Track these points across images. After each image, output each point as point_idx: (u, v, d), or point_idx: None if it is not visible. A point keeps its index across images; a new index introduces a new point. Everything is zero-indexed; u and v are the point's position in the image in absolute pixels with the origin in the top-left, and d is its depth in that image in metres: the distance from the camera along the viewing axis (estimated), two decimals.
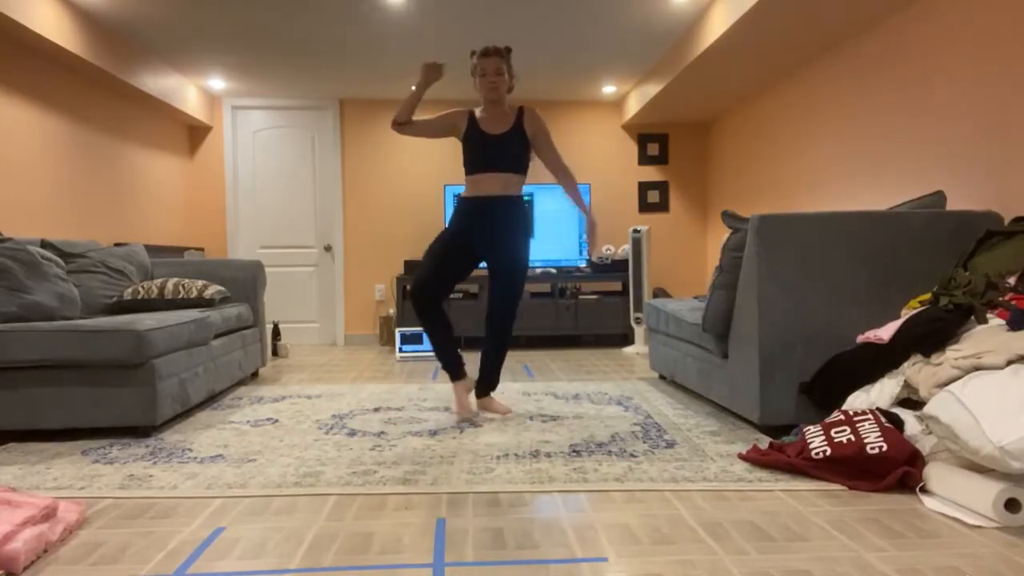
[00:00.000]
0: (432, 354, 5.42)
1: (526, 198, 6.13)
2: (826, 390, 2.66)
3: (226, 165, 6.48)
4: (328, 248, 6.58)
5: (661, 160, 6.74)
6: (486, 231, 3.23)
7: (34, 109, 4.16)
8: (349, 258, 6.59)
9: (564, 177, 3.36)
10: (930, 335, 2.38)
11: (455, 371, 3.30)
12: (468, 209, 3.26)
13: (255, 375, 4.60)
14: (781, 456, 2.36)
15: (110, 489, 2.25)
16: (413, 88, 3.22)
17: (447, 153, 6.60)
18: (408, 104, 3.20)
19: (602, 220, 6.70)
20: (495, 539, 1.82)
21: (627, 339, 6.23)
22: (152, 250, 4.99)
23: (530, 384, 4.11)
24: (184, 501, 2.15)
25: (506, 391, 3.88)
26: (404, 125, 3.23)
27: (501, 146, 3.22)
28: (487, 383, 3.34)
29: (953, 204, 3.24)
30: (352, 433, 2.96)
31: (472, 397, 3.45)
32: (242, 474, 2.40)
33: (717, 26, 4.13)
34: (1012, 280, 2.46)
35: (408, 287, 3.20)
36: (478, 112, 3.30)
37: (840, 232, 2.76)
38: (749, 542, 1.78)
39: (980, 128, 3.10)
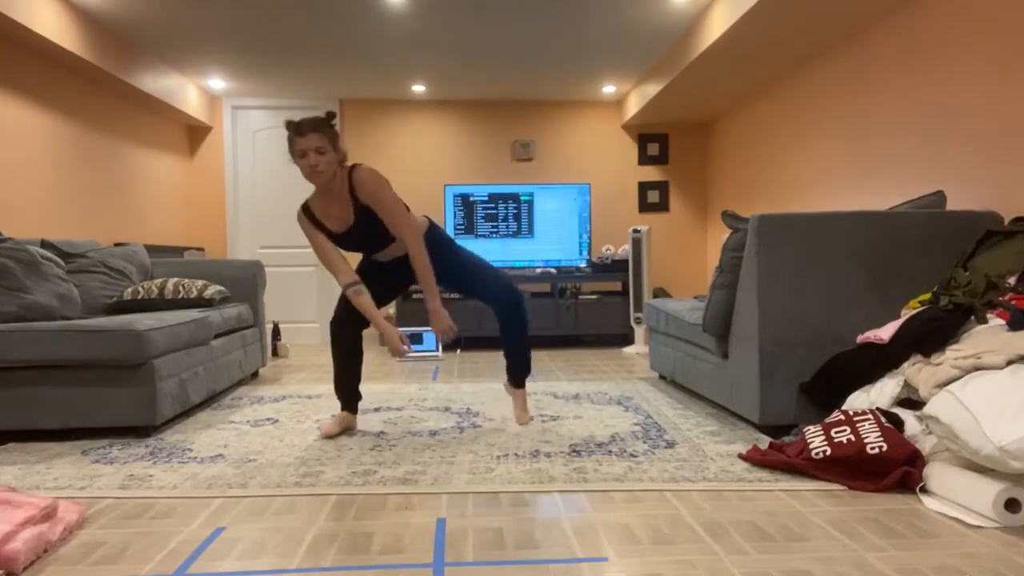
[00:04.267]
0: (432, 354, 5.42)
1: (524, 198, 6.13)
2: (826, 390, 2.66)
3: (226, 165, 6.48)
4: None
5: (661, 160, 6.74)
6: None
7: (34, 109, 4.16)
8: (349, 258, 6.58)
9: (405, 239, 2.84)
10: (930, 335, 2.38)
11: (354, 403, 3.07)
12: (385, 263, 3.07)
13: (255, 375, 4.59)
14: (781, 456, 2.36)
15: (110, 489, 2.25)
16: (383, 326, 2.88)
17: (447, 153, 6.60)
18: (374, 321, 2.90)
19: (602, 220, 6.70)
20: (495, 539, 1.82)
21: (627, 339, 6.23)
22: (152, 250, 4.99)
23: (530, 384, 4.11)
24: (184, 501, 2.15)
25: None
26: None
27: (357, 240, 2.89)
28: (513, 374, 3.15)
29: (953, 204, 3.24)
30: (352, 433, 2.96)
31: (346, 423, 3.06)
32: (242, 474, 2.40)
33: (717, 26, 4.13)
34: (1012, 280, 2.46)
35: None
36: (313, 203, 2.87)
37: (840, 232, 2.76)
38: (749, 542, 1.78)
39: (980, 128, 3.10)
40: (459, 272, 3.05)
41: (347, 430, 3.03)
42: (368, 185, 2.78)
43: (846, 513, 1.96)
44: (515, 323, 3.06)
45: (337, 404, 3.59)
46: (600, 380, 4.25)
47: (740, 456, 2.49)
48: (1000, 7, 2.96)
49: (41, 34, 3.84)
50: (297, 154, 2.73)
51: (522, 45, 5.00)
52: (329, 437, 2.90)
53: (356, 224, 2.85)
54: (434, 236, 3.04)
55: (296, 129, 2.73)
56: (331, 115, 2.77)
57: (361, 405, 3.55)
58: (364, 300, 2.87)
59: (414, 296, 5.85)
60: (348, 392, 3.05)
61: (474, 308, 5.80)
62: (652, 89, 5.60)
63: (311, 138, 2.69)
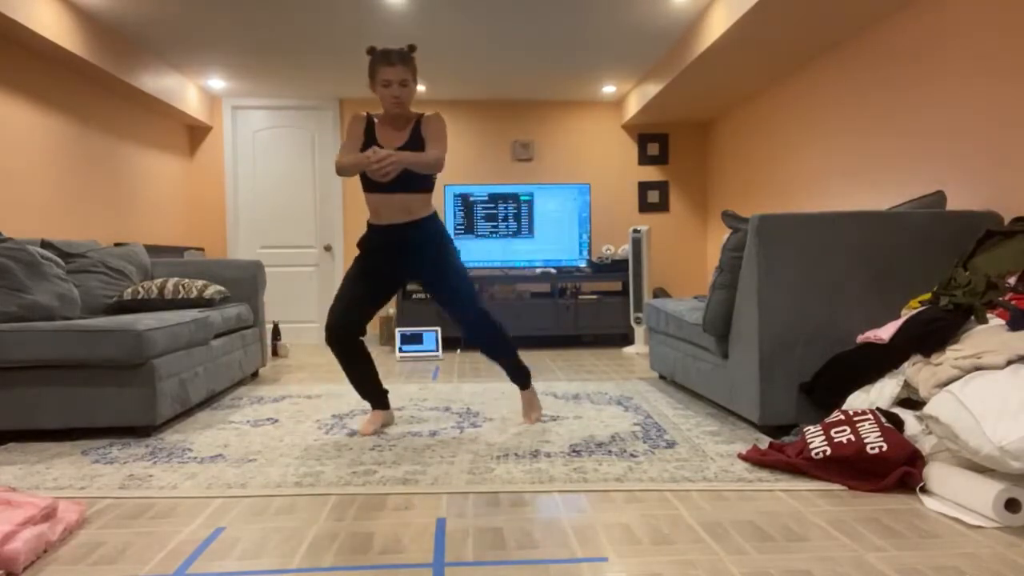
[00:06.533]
0: (432, 354, 5.42)
1: (524, 198, 6.13)
2: (826, 390, 2.66)
3: (226, 165, 6.48)
4: (328, 248, 6.58)
5: (661, 160, 6.74)
6: (404, 265, 2.97)
7: (34, 109, 4.16)
8: (349, 258, 6.59)
9: (435, 151, 2.85)
10: (930, 335, 2.38)
11: (378, 401, 3.09)
12: (376, 243, 2.95)
13: (255, 375, 4.59)
14: (781, 456, 2.36)
15: (110, 489, 2.25)
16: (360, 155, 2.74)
17: (447, 153, 6.59)
18: (351, 167, 2.75)
19: (602, 220, 6.70)
20: (495, 539, 1.82)
21: (627, 339, 6.23)
22: (152, 250, 4.99)
23: None
24: (184, 501, 2.15)
25: (507, 391, 3.88)
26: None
27: None
28: (517, 379, 3.14)
29: (953, 204, 3.24)
30: (352, 433, 2.96)
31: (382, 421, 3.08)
32: (242, 474, 2.40)
33: (717, 26, 4.13)
34: (1012, 280, 2.46)
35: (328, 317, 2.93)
36: (377, 118, 2.93)
37: (840, 232, 2.76)
38: (749, 542, 1.77)
39: (980, 127, 3.10)
40: (445, 276, 2.96)
41: (386, 425, 3.08)
42: (436, 122, 2.89)
43: (846, 513, 1.96)
44: (491, 340, 3.02)
45: (335, 405, 3.59)
46: (600, 380, 4.25)
47: (740, 456, 2.49)
48: (1000, 7, 2.96)
49: (41, 34, 3.84)
50: (380, 83, 2.81)
51: (522, 45, 5.00)
52: (368, 435, 2.93)
53: (403, 147, 2.87)
54: (441, 228, 2.99)
55: (385, 59, 2.79)
56: (413, 48, 2.87)
57: (361, 405, 3.55)
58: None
59: (414, 296, 5.85)
60: (372, 392, 3.05)
61: None
62: (652, 89, 5.60)
63: (398, 70, 2.79)
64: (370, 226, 2.98)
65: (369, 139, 2.90)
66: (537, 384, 4.10)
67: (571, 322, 5.92)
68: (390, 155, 2.66)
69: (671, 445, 2.70)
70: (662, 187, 6.75)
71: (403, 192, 2.88)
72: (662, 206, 6.76)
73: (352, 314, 2.92)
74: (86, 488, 2.27)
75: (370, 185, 2.90)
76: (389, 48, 2.84)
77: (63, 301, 3.21)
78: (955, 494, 1.97)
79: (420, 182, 2.91)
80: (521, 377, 3.14)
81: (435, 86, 6.09)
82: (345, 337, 2.92)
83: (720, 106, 5.98)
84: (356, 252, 6.45)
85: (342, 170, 2.80)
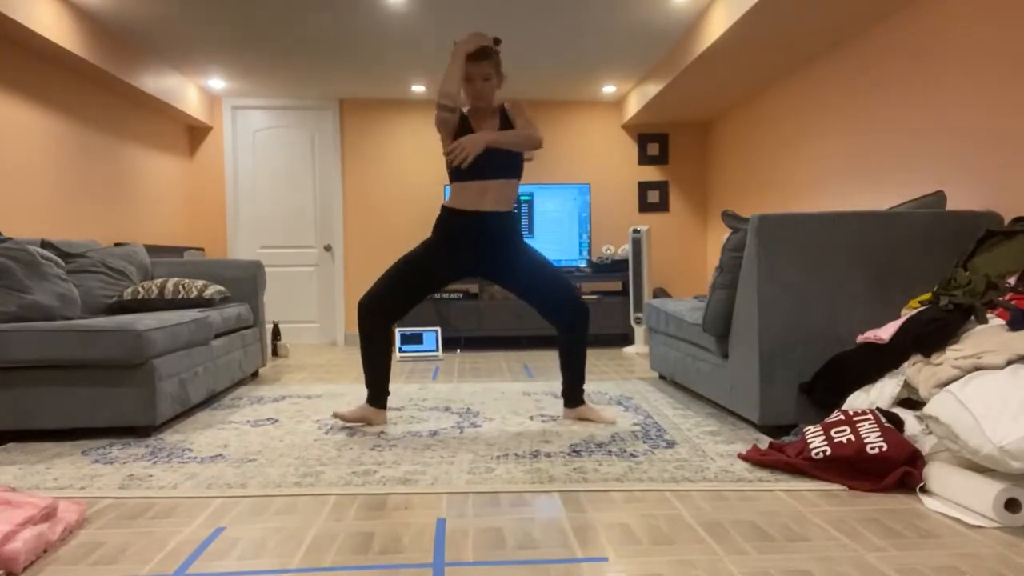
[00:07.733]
0: (432, 354, 5.42)
1: (524, 198, 6.14)
2: (826, 390, 2.66)
3: (226, 165, 6.48)
4: (328, 248, 6.58)
5: (661, 160, 6.74)
6: (485, 254, 3.00)
7: (34, 109, 4.16)
8: (349, 258, 6.59)
9: (526, 129, 2.93)
10: (930, 335, 2.38)
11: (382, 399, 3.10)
12: (464, 230, 2.97)
13: (255, 375, 4.59)
14: (781, 456, 2.36)
15: (110, 489, 2.25)
16: (452, 62, 2.84)
17: None
18: (455, 80, 2.83)
19: (602, 220, 6.70)
20: (495, 539, 1.82)
21: (627, 339, 6.23)
22: (152, 250, 4.99)
23: (530, 384, 4.11)
24: (184, 501, 2.15)
25: (507, 391, 3.88)
26: (454, 111, 2.88)
27: (493, 153, 2.91)
28: (576, 391, 3.15)
29: (953, 204, 3.24)
30: (352, 433, 2.96)
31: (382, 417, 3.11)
32: (242, 474, 2.40)
33: (717, 26, 4.13)
34: (1012, 280, 2.46)
35: (363, 302, 3.01)
36: (465, 109, 3.04)
37: (840, 232, 2.76)
38: (749, 542, 1.78)
39: (980, 128, 3.10)
40: (533, 269, 3.01)
41: (376, 426, 3.06)
42: (519, 106, 2.99)
43: (846, 513, 1.96)
44: (582, 337, 3.14)
45: (335, 405, 3.59)
46: (600, 380, 4.25)
47: (740, 456, 2.49)
48: (1000, 7, 2.96)
49: (41, 34, 3.84)
50: (464, 78, 2.90)
51: (522, 45, 5.00)
52: (339, 418, 2.94)
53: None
54: (519, 224, 3.08)
55: (470, 54, 2.89)
56: (498, 41, 2.96)
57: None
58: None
59: None
60: (378, 383, 3.05)
61: (473, 308, 5.80)
62: (652, 89, 5.60)
63: (482, 65, 2.89)
64: (455, 211, 2.97)
65: (464, 130, 2.97)
66: (537, 384, 4.11)
67: None
68: (471, 147, 2.76)
69: (671, 445, 2.70)
70: (662, 187, 6.75)
71: (504, 178, 2.95)
72: (662, 206, 6.76)
73: (396, 302, 2.98)
74: (86, 488, 2.27)
75: (469, 172, 2.92)
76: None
77: (63, 301, 3.21)
78: (955, 494, 1.97)
79: (518, 168, 2.98)
80: (581, 388, 3.16)
81: (435, 86, 6.08)
82: (381, 322, 2.98)
83: (720, 106, 5.98)
84: (356, 251, 6.50)
85: (447, 91, 2.83)
